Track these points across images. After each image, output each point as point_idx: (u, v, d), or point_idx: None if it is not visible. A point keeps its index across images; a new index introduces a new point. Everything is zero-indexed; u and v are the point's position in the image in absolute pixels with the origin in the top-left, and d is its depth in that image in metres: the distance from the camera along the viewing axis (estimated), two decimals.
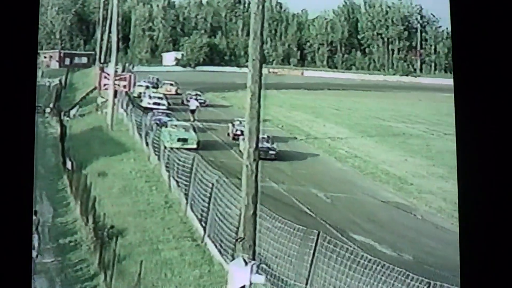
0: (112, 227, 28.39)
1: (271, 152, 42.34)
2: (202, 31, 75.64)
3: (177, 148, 37.06)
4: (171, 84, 59.18)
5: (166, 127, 43.25)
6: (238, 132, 44.73)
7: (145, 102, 52.74)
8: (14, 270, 14.87)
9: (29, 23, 14.89)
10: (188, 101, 53.83)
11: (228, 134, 46.60)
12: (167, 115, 48.37)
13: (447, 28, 79.60)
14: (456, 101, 13.69)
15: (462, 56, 13.66)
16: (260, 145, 39.61)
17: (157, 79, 59.56)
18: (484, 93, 13.56)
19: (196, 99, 53.88)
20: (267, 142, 42.86)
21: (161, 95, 54.89)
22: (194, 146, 41.31)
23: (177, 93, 57.63)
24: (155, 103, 52.58)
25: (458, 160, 13.52)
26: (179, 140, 41.32)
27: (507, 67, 13.46)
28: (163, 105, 52.72)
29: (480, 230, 13.14)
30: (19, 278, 14.95)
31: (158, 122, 44.16)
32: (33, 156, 15.14)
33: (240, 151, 39.97)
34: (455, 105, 13.63)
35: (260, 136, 40.68)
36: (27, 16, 14.85)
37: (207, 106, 55.00)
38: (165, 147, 37.44)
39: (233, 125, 46.69)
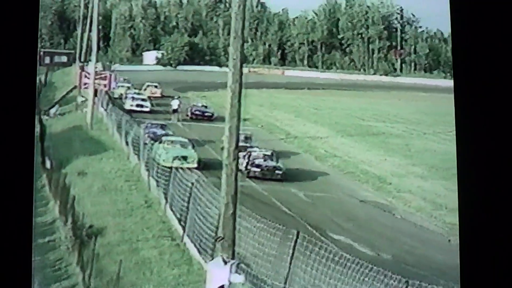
0: (91, 226, 28.25)
1: (277, 172, 37.61)
2: (183, 30, 75.61)
3: (175, 168, 31.45)
4: (156, 86, 57.71)
5: (161, 142, 38.40)
6: None
7: (128, 105, 51.07)
8: (13, 270, 14.73)
9: (28, 24, 14.72)
10: (193, 112, 50.52)
11: (222, 148, 42.43)
12: (162, 127, 44.04)
13: (427, 28, 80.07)
14: (456, 102, 13.51)
15: (461, 57, 13.53)
16: (264, 163, 37.69)
17: (128, 81, 58.26)
18: (485, 95, 13.41)
19: (203, 113, 50.30)
20: (271, 159, 38.54)
21: (144, 97, 52.92)
22: (195, 165, 36.00)
23: (162, 96, 56.30)
24: (138, 105, 50.94)
25: (458, 162, 13.35)
26: (176, 158, 36.12)
27: (507, 67, 13.32)
28: (146, 107, 51.06)
29: (481, 232, 12.96)
30: (19, 279, 14.82)
31: (152, 136, 40.52)
32: (33, 156, 15.01)
33: (241, 171, 35.08)
34: (455, 106, 13.46)
35: (263, 153, 38.74)
36: (27, 16, 14.68)
37: (216, 119, 48.93)
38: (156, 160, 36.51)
39: None
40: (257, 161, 37.95)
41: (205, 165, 36.48)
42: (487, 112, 13.40)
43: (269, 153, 38.97)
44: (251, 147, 39.94)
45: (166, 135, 41.13)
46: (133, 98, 52.08)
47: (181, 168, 32.06)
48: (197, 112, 50.25)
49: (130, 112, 47.61)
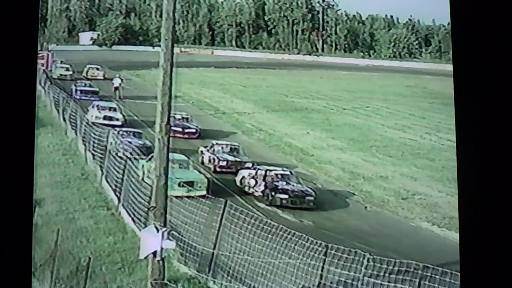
0: None
1: (308, 198, 29.18)
2: (118, 12, 74.72)
3: (177, 197, 23.65)
4: (97, 69, 52.89)
5: (146, 158, 29.58)
6: (224, 163, 32.68)
7: (93, 116, 38.26)
8: (13, 270, 14.45)
9: (29, 22, 14.28)
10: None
11: (202, 163, 33.56)
12: (135, 134, 34.35)
13: (345, 11, 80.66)
14: (456, 106, 12.87)
15: (462, 57, 12.87)
16: (291, 187, 29.50)
17: (66, 63, 53.17)
18: (486, 96, 12.61)
19: (183, 129, 37.05)
20: (293, 181, 29.96)
21: (113, 105, 40.33)
22: (203, 192, 26.79)
23: (104, 78, 51.78)
24: (106, 118, 38.38)
25: (458, 163, 12.75)
26: (181, 184, 26.89)
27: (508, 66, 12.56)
28: (117, 119, 38.64)
29: (481, 233, 12.50)
30: (19, 278, 14.55)
31: (128, 147, 31.62)
32: (33, 154, 14.68)
33: (254, 196, 29.87)
34: (455, 109, 12.84)
35: (277, 172, 30.26)
36: (27, 15, 14.22)
37: (201, 136, 38.06)
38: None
39: (213, 151, 33.71)
40: (280, 185, 29.66)
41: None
42: (488, 116, 12.59)
43: (287, 172, 30.50)
44: (242, 161, 32.76)
45: (145, 146, 32.45)
46: (98, 107, 39.37)
47: (187, 196, 24.12)
48: (175, 128, 33.70)
49: (95, 124, 34.94)
